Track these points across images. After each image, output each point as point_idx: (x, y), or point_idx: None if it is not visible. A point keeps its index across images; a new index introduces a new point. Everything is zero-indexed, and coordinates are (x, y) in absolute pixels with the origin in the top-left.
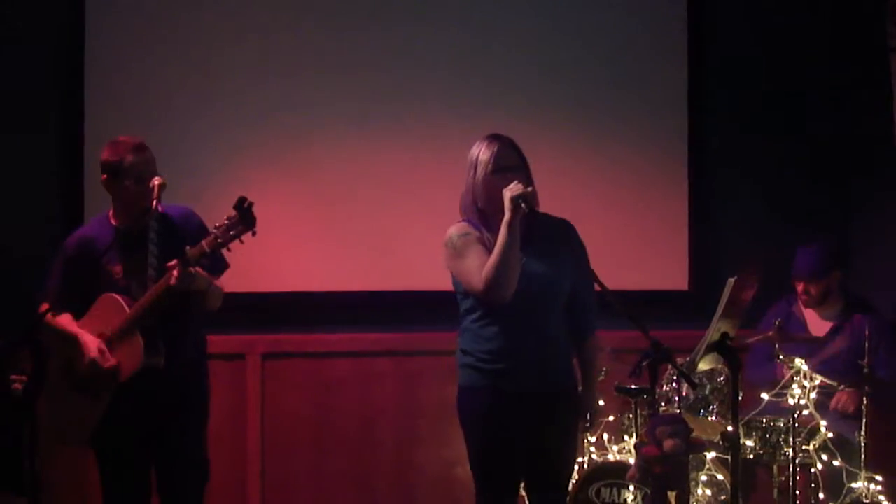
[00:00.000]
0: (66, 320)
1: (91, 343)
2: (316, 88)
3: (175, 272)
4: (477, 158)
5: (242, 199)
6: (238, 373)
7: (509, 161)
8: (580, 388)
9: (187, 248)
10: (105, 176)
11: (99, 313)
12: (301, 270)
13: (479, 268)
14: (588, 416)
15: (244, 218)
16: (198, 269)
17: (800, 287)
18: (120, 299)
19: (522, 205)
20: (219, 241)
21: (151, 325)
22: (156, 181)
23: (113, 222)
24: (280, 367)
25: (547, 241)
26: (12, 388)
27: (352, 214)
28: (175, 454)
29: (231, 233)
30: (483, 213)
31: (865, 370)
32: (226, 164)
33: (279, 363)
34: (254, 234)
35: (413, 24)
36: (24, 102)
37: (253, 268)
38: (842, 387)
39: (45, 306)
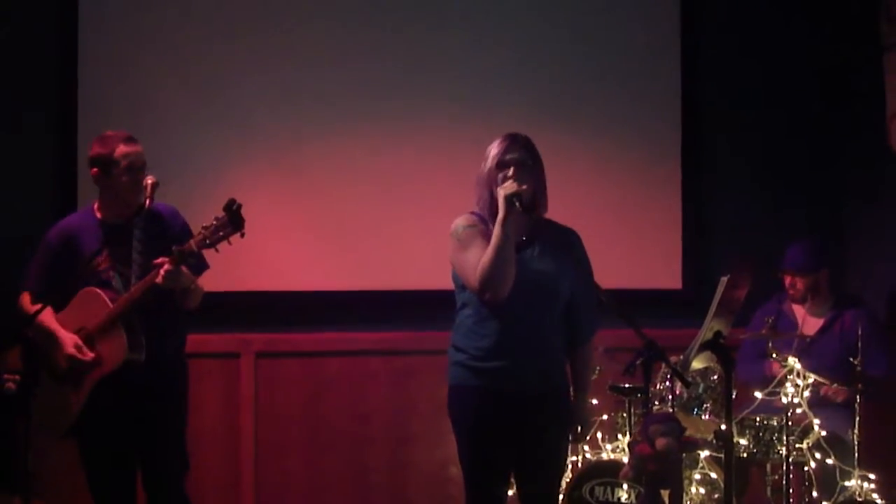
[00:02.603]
0: (44, 316)
1: (67, 340)
2: (308, 85)
3: (162, 270)
4: (489, 153)
5: (232, 202)
6: (232, 371)
7: (514, 156)
8: (572, 395)
9: (174, 246)
10: (96, 170)
11: (79, 307)
12: (295, 269)
13: (478, 263)
14: (579, 427)
15: (233, 220)
16: (183, 267)
17: (787, 280)
18: (101, 293)
19: (517, 203)
20: (206, 241)
21: (133, 320)
22: (149, 180)
23: (98, 215)
24: (274, 366)
25: (550, 244)
26: (5, 386)
27: (346, 214)
28: (157, 448)
29: (219, 234)
30: (490, 205)
31: (858, 368)
32: (218, 163)
33: (273, 362)
34: (242, 235)
35: (409, 21)
36: (17, 103)
37: (247, 267)
38: (834, 385)
39: (26, 296)
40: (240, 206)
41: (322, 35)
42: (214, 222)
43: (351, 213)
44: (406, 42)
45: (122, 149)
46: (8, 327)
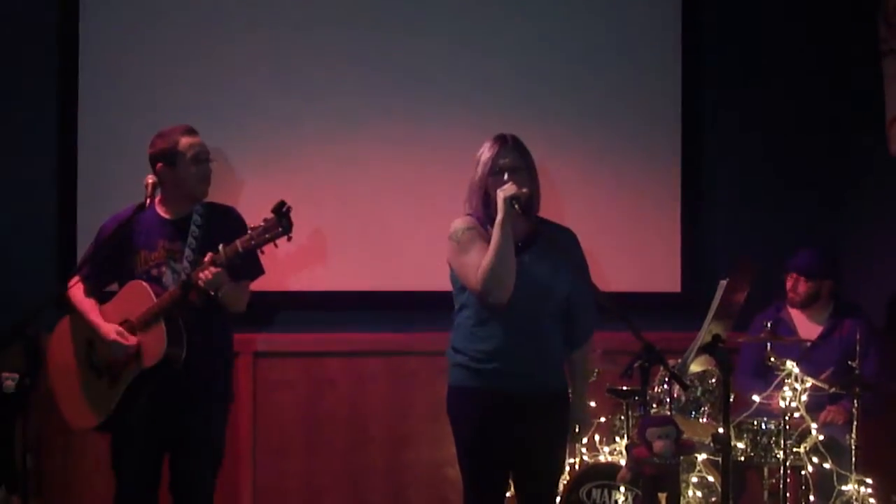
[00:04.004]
0: (89, 306)
1: (108, 329)
2: (310, 88)
3: (206, 271)
4: (480, 158)
5: (282, 204)
6: None
7: (508, 162)
8: (570, 396)
9: (221, 245)
10: (160, 165)
11: (125, 299)
12: (294, 270)
13: (478, 265)
14: (577, 427)
15: (281, 222)
16: (224, 272)
17: (789, 282)
18: (147, 287)
19: (515, 206)
20: (252, 242)
21: (176, 316)
22: (149, 179)
23: (157, 210)
24: (272, 366)
25: (548, 246)
26: (4, 385)
27: (346, 214)
28: (191, 445)
29: (266, 235)
30: (483, 210)
31: (857, 371)
32: (217, 161)
33: (272, 362)
34: (289, 239)
35: (411, 24)
36: (17, 103)
37: None
38: (832, 389)
39: (75, 282)
40: (289, 209)
41: (320, 36)
42: (263, 224)
43: (350, 213)
44: (402, 43)
45: (185, 140)
46: (8, 326)
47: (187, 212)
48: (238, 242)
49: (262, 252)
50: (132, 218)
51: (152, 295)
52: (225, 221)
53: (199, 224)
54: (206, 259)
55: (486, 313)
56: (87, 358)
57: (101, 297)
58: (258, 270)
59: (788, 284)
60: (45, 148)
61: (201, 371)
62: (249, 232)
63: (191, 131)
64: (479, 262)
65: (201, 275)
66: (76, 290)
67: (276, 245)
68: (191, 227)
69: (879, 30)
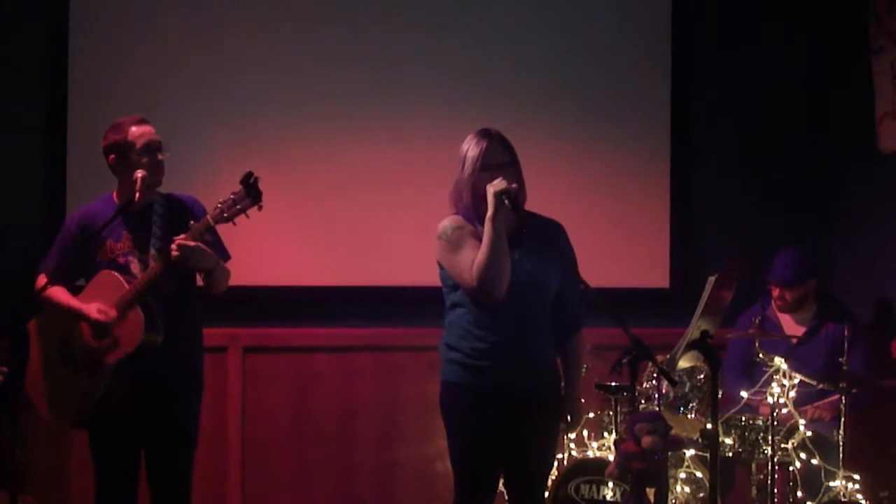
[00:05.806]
0: (60, 293)
1: (90, 307)
2: (298, 83)
3: (176, 242)
4: (466, 154)
5: (249, 174)
6: (220, 366)
7: (497, 158)
8: (563, 387)
9: (192, 222)
10: (113, 156)
11: (97, 289)
12: (284, 265)
13: (472, 263)
14: (570, 417)
15: (250, 192)
16: (202, 245)
17: (775, 292)
18: (119, 276)
19: (506, 201)
20: (224, 214)
21: (151, 303)
22: (138, 174)
23: (117, 202)
24: (262, 361)
25: (536, 240)
26: None
27: (335, 210)
28: (168, 434)
29: (237, 207)
30: (473, 208)
31: (844, 367)
32: (208, 158)
33: (261, 357)
34: (260, 208)
35: (400, 21)
36: (6, 100)
37: (236, 261)
38: (820, 386)
39: (42, 279)
40: (257, 179)
41: (307, 34)
42: (231, 196)
43: (339, 208)
44: (404, 43)
45: (135, 130)
46: None
47: (146, 202)
48: (209, 216)
49: (235, 224)
50: (105, 211)
51: (124, 282)
52: (185, 209)
53: (160, 213)
54: (177, 238)
55: (480, 311)
56: (60, 355)
57: (72, 292)
58: (226, 255)
59: (774, 294)
60: (34, 141)
61: (177, 359)
62: (218, 205)
63: (141, 121)
64: (471, 259)
65: (177, 241)
66: (52, 289)
67: (247, 216)
68: (153, 217)
69: (869, 27)
